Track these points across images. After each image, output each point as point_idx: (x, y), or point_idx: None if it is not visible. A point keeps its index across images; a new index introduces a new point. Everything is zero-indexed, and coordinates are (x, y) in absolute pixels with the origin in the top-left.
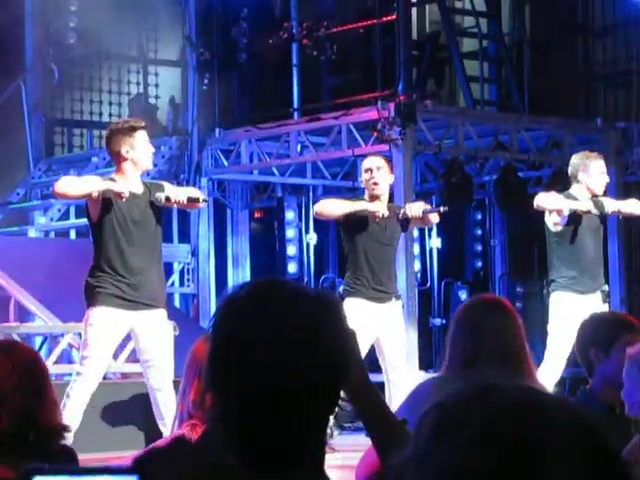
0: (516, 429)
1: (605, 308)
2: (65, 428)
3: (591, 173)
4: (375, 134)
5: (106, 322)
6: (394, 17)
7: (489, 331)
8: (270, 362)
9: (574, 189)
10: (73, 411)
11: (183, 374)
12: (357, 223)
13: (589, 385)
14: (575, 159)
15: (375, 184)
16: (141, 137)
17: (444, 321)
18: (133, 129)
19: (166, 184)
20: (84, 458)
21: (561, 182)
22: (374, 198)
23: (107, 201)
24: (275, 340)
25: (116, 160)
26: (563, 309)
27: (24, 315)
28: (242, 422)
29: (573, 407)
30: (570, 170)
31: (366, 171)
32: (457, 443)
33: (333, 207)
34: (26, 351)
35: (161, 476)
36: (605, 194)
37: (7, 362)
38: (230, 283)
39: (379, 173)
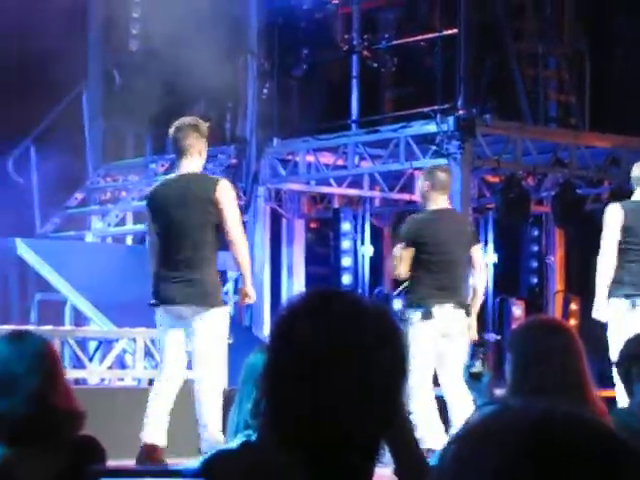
0: (530, 450)
1: None
2: (82, 415)
3: None
4: (433, 148)
5: None
6: (456, 31)
7: (553, 356)
8: (327, 375)
9: (636, 194)
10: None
11: (239, 384)
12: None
13: (629, 403)
14: (636, 167)
15: None
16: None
17: (498, 337)
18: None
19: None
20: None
21: (620, 199)
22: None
23: None
24: (334, 353)
25: (188, 154)
26: (610, 316)
27: (79, 319)
28: (296, 432)
29: (600, 427)
30: (632, 176)
31: (449, 177)
32: (483, 474)
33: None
34: (36, 338)
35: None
36: None
37: (17, 348)
38: (284, 293)
39: None
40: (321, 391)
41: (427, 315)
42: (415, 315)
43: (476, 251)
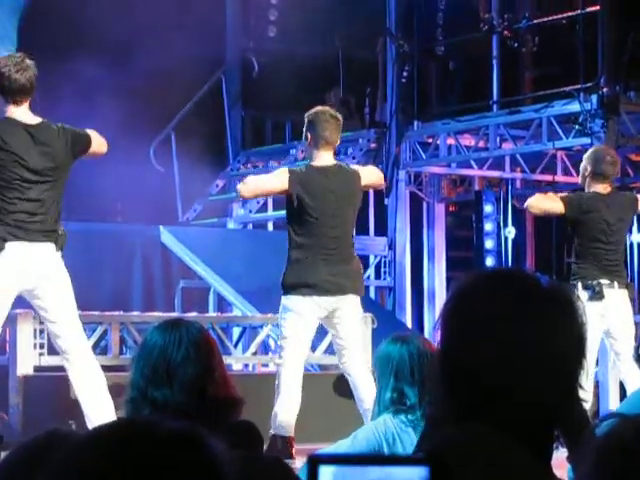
0: None
1: None
2: (240, 403)
3: None
4: (576, 127)
5: None
6: (597, 7)
7: None
8: (499, 362)
9: None
10: None
11: (376, 376)
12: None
13: None
14: None
15: None
16: None
17: None
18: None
19: None
20: None
21: None
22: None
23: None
24: (507, 340)
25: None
26: None
27: (223, 306)
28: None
29: None
30: None
31: (615, 164)
32: None
33: None
34: (192, 325)
35: (453, 469)
36: None
37: (174, 336)
38: (425, 277)
39: None
40: (501, 367)
41: (596, 296)
42: (583, 295)
43: None
